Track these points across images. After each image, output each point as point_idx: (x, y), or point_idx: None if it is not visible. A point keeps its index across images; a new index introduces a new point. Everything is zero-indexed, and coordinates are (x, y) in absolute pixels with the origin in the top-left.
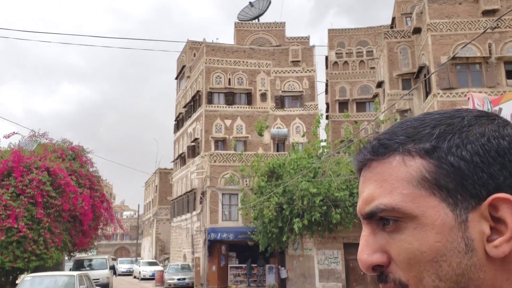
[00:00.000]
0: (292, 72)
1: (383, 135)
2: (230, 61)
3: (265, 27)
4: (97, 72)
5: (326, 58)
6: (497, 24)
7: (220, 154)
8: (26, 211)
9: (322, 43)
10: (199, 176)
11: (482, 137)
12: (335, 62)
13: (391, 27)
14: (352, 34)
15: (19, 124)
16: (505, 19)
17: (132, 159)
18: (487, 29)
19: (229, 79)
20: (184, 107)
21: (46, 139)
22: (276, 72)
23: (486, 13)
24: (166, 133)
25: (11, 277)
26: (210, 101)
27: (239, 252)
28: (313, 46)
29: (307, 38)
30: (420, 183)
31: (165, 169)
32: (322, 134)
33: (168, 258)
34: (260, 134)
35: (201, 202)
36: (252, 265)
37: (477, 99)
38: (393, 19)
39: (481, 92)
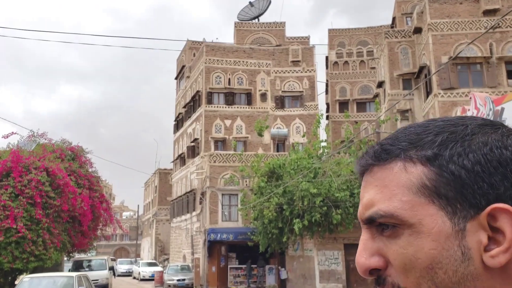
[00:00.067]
0: (292, 72)
1: (386, 140)
2: (230, 61)
3: (265, 27)
4: (98, 73)
5: (326, 58)
6: (498, 24)
7: (220, 154)
8: (25, 212)
9: (322, 43)
10: (198, 176)
11: (485, 147)
12: (335, 62)
13: (392, 27)
14: (353, 34)
15: (19, 124)
16: (506, 19)
17: (132, 160)
18: (490, 28)
19: (229, 79)
20: (184, 107)
21: (45, 139)
22: (276, 72)
23: (487, 12)
24: (166, 133)
25: (9, 278)
26: (210, 101)
27: (239, 252)
28: (313, 46)
29: (307, 38)
30: (420, 190)
31: (165, 169)
32: (322, 134)
33: (167, 259)
34: (260, 134)
35: (200, 203)
36: (252, 266)
37: (479, 99)
38: (394, 19)
39: (482, 92)
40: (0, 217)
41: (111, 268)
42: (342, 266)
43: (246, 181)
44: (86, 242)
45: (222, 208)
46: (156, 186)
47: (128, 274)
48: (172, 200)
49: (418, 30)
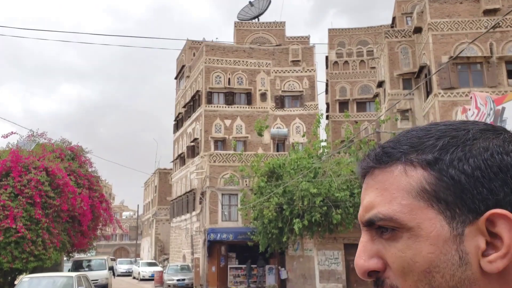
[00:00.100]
0: (292, 72)
1: (388, 143)
2: (230, 60)
3: (265, 27)
4: (97, 72)
5: (326, 57)
6: (498, 24)
7: (220, 154)
8: (25, 212)
9: (322, 43)
10: (198, 176)
11: (486, 152)
12: (335, 62)
13: (392, 27)
14: (353, 34)
15: (19, 124)
16: (506, 18)
17: (132, 159)
18: (490, 28)
19: (229, 78)
20: (184, 107)
21: (45, 139)
22: (276, 72)
23: (487, 12)
24: (165, 132)
25: (9, 278)
26: (209, 101)
27: (239, 252)
28: (313, 45)
29: (307, 37)
30: (420, 194)
31: (165, 169)
32: (322, 134)
33: (167, 259)
34: (260, 134)
35: (200, 203)
36: (252, 265)
37: (479, 99)
38: (394, 18)
39: (482, 92)
40: (0, 217)
41: (111, 268)
42: (342, 266)
43: (246, 181)
44: (86, 242)
45: (222, 208)
46: (156, 186)
47: (128, 274)
48: (172, 200)
49: (418, 30)
